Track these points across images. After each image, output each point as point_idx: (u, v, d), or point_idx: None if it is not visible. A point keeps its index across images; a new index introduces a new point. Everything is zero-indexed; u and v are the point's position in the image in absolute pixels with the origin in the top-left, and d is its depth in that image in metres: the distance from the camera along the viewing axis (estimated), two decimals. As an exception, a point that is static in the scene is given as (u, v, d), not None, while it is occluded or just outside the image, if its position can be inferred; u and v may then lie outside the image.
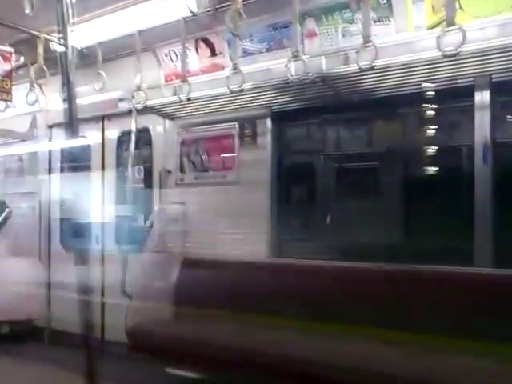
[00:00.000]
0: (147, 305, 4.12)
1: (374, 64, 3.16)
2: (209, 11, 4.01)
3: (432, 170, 3.83)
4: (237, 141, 4.49)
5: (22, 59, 5.00)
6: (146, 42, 4.44)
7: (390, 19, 3.61)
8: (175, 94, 4.17)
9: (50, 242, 5.82)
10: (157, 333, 3.86)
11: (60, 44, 1.97)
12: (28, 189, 6.11)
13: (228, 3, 3.59)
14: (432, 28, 3.42)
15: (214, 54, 4.52)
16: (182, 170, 4.84)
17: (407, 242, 3.78)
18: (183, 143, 4.84)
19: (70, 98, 1.89)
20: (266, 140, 4.32)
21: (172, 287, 4.32)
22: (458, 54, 2.89)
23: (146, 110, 4.48)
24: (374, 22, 3.56)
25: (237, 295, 3.99)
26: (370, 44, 3.18)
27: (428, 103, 3.71)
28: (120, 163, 5.33)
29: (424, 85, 3.49)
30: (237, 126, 4.48)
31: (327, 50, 3.86)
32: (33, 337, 5.70)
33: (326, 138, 4.28)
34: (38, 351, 5.41)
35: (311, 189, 4.39)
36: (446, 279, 3.35)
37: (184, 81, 4.06)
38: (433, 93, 3.59)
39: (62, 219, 5.72)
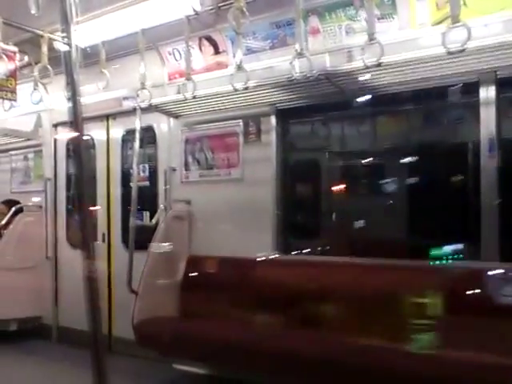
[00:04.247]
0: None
1: (379, 61, 3.15)
2: (212, 9, 4.01)
3: (438, 166, 3.82)
4: (241, 138, 4.50)
5: (26, 58, 5.01)
6: (150, 41, 4.45)
7: (394, 16, 3.61)
8: (179, 92, 4.17)
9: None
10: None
11: (64, 43, 1.97)
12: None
13: (231, 1, 3.59)
14: (436, 25, 3.41)
15: (217, 52, 4.52)
16: (186, 167, 4.85)
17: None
18: (188, 141, 4.86)
19: (74, 97, 1.89)
20: (271, 137, 4.33)
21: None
22: (463, 50, 2.88)
23: (150, 109, 4.49)
24: (378, 18, 3.55)
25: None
26: (375, 41, 3.17)
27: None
28: (125, 162, 5.36)
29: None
30: (241, 123, 4.49)
31: (331, 48, 3.86)
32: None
33: (331, 136, 4.29)
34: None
35: (316, 186, 4.40)
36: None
37: (188, 79, 4.07)
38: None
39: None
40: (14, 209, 5.85)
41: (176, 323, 4.09)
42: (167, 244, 4.43)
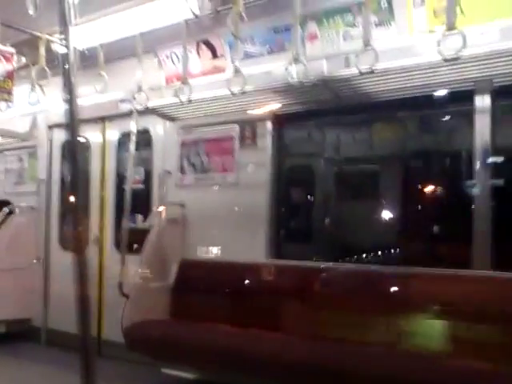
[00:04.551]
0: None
1: (373, 68, 3.16)
2: (210, 13, 4.02)
3: (433, 174, 3.84)
4: (237, 142, 4.50)
5: (23, 60, 5.00)
6: (148, 44, 4.44)
7: (392, 23, 3.63)
8: (176, 96, 4.17)
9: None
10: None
11: (61, 45, 1.96)
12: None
13: (229, 6, 3.60)
14: (433, 32, 3.42)
15: (215, 56, 4.53)
16: (182, 171, 4.84)
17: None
18: (183, 144, 4.85)
19: (70, 99, 1.89)
20: (267, 142, 4.33)
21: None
22: (458, 58, 2.89)
23: (146, 112, 4.49)
24: (375, 25, 3.57)
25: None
26: (370, 48, 3.18)
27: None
28: (120, 164, 5.35)
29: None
30: (237, 127, 4.49)
31: (328, 53, 3.87)
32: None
33: (326, 141, 4.30)
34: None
35: (311, 191, 4.41)
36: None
37: (184, 82, 4.07)
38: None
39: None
40: (6, 210, 5.81)
41: (167, 327, 4.06)
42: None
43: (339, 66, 3.66)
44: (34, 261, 5.79)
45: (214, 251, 4.36)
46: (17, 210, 5.93)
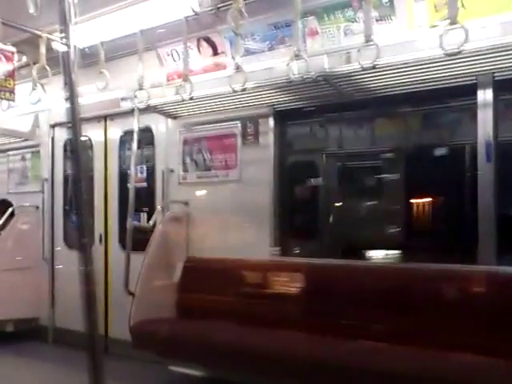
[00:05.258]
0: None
1: (375, 63, 3.15)
2: (211, 10, 4.01)
3: (436, 169, 3.83)
4: (239, 139, 4.50)
5: (24, 59, 5.00)
6: (149, 41, 4.44)
7: (392, 18, 3.61)
8: (177, 93, 4.17)
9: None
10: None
11: (62, 43, 1.96)
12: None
13: (230, 2, 3.59)
14: (434, 27, 3.41)
15: (216, 53, 4.53)
16: (184, 169, 4.84)
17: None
18: (186, 142, 4.85)
19: (72, 98, 1.89)
20: (269, 139, 4.32)
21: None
22: (460, 52, 2.88)
23: (148, 109, 4.48)
24: (376, 20, 3.56)
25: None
26: (372, 43, 3.17)
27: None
28: (123, 162, 5.35)
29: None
30: (239, 124, 4.49)
31: (329, 49, 3.86)
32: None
33: (328, 137, 4.29)
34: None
35: (314, 187, 4.40)
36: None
37: (186, 80, 4.06)
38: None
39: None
40: (10, 210, 5.83)
41: (173, 325, 4.07)
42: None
43: (340, 62, 3.65)
44: (42, 260, 5.81)
45: (218, 249, 4.36)
46: (17, 211, 5.94)
